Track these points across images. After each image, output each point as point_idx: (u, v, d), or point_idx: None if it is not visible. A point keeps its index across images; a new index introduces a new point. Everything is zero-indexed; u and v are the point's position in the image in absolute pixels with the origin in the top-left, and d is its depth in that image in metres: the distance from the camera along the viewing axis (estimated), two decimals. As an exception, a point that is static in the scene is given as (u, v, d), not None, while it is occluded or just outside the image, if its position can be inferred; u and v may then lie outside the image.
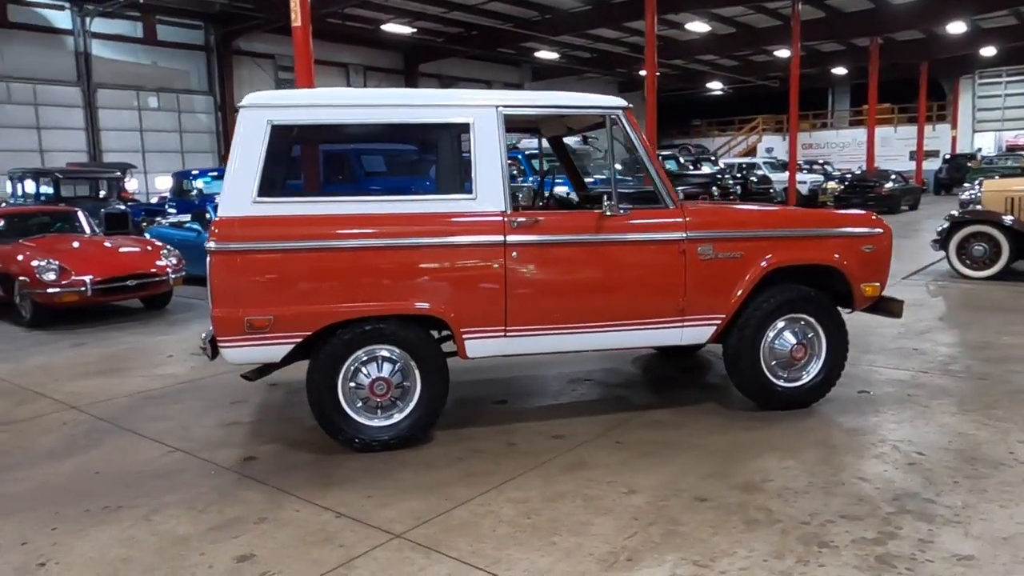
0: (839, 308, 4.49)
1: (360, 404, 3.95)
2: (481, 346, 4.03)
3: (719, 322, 4.31)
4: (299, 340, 3.79)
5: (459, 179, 4.03)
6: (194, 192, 15.29)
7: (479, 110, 3.98)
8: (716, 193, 18.31)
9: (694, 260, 4.20)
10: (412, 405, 4.01)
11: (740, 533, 3.02)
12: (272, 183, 3.80)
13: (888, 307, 4.67)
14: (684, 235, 4.18)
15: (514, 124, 4.54)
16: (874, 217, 4.64)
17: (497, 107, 4.00)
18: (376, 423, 3.98)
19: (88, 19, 21.27)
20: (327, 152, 4.34)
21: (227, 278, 3.71)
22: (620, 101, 4.19)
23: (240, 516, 3.28)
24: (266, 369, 4.13)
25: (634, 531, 3.07)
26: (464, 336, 3.98)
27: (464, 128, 3.98)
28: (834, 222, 4.54)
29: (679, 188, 14.69)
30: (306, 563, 2.89)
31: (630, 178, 9.38)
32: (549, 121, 4.89)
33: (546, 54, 28.75)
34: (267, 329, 3.74)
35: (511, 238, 3.97)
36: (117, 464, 3.91)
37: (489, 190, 3.97)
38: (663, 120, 21.53)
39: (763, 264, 4.28)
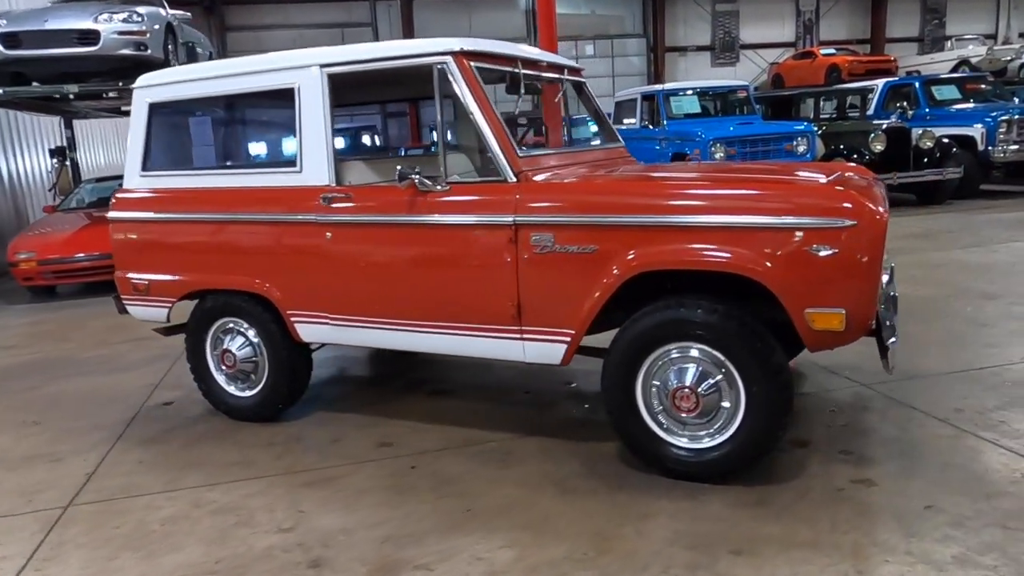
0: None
1: (223, 373, 4.07)
2: (311, 331, 3.73)
3: (568, 340, 3.13)
4: (170, 305, 4.08)
5: (287, 150, 3.71)
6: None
7: (303, 72, 3.58)
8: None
9: (528, 252, 3.12)
10: (262, 382, 3.96)
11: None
12: (153, 158, 4.09)
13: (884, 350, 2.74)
14: (512, 218, 3.12)
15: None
16: (841, 189, 2.72)
17: (321, 66, 3.53)
18: (237, 392, 4.06)
19: (533, -22, 23.65)
20: (195, 126, 4.38)
21: (117, 243, 4.17)
22: (451, 44, 3.26)
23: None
24: (176, 327, 4.50)
25: (209, 570, 2.64)
26: (292, 319, 3.74)
27: (290, 94, 3.63)
28: (754, 201, 2.80)
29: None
30: None
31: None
32: (398, 79, 3.88)
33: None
34: (146, 292, 4.12)
35: (324, 217, 3.54)
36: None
37: (314, 162, 3.58)
38: None
39: (623, 264, 2.94)
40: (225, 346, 3.99)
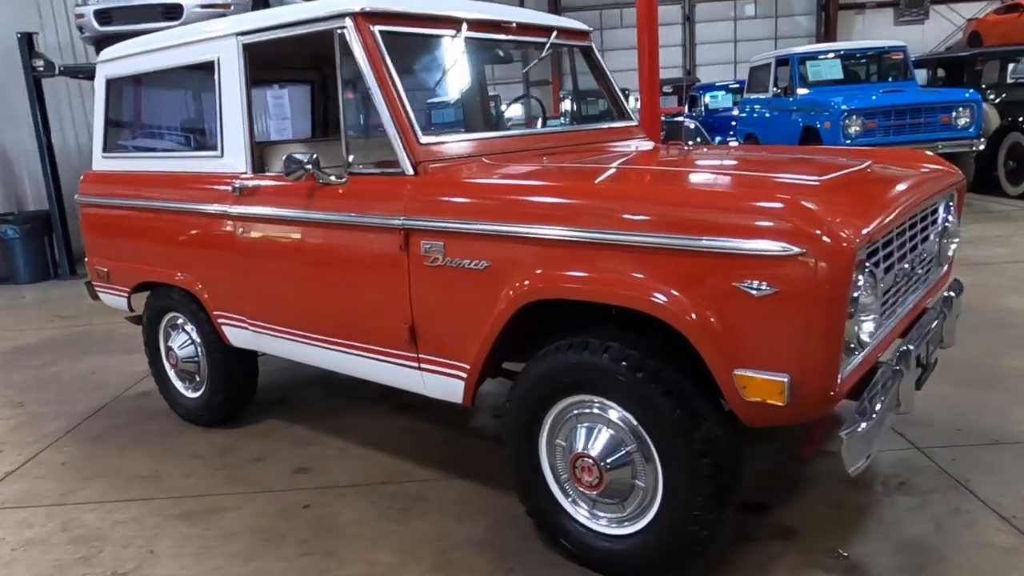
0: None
1: (172, 370, 3.78)
2: (235, 335, 3.33)
3: (464, 376, 2.48)
4: (126, 294, 3.84)
5: (208, 131, 3.27)
6: (700, 108, 14.91)
7: (221, 43, 3.12)
8: None
9: (418, 264, 2.49)
10: (204, 385, 3.63)
11: None
12: (111, 138, 3.83)
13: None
14: (401, 220, 2.49)
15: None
16: (787, 198, 1.82)
17: (237, 35, 3.05)
18: (186, 393, 3.76)
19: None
20: (144, 106, 3.99)
21: (84, 227, 3.97)
22: (351, 3, 2.63)
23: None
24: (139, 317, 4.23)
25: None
26: (218, 320, 3.35)
27: (212, 67, 3.18)
28: (674, 209, 1.96)
29: None
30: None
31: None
32: (317, 49, 3.17)
33: None
34: (107, 279, 3.91)
35: (233, 208, 3.09)
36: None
37: (232, 145, 3.14)
38: None
39: (517, 289, 2.23)
40: (168, 343, 3.70)
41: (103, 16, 7.83)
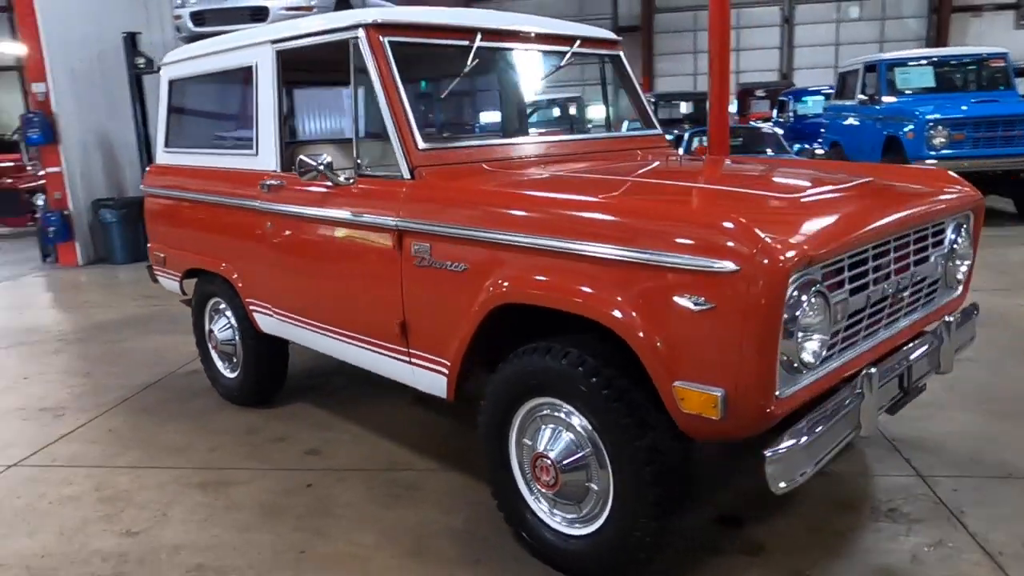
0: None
1: (213, 351, 4.07)
2: (264, 321, 3.57)
3: (446, 372, 2.60)
4: (178, 279, 4.16)
5: (245, 132, 3.51)
6: (788, 114, 14.47)
7: (258, 49, 3.35)
8: None
9: (409, 263, 2.63)
10: (240, 367, 3.90)
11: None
12: (172, 134, 4.16)
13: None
14: (395, 222, 2.64)
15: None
16: (750, 226, 1.82)
17: (272, 42, 3.28)
18: (226, 373, 4.04)
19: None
20: (199, 104, 4.24)
21: (146, 216, 4.33)
22: (364, 15, 2.79)
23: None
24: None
25: (29, 564, 2.60)
26: (250, 306, 3.61)
27: (249, 73, 3.42)
28: (626, 220, 2.01)
29: None
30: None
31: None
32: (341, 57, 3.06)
33: None
34: (163, 264, 4.24)
35: (262, 204, 3.32)
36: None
37: (266, 145, 3.37)
38: None
39: (488, 292, 2.34)
40: (211, 326, 4.00)
41: (197, 17, 8.38)
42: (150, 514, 2.91)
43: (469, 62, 2.96)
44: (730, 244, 1.80)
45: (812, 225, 1.97)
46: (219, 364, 4.07)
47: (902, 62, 9.59)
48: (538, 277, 2.20)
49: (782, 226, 1.90)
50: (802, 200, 2.19)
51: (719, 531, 2.59)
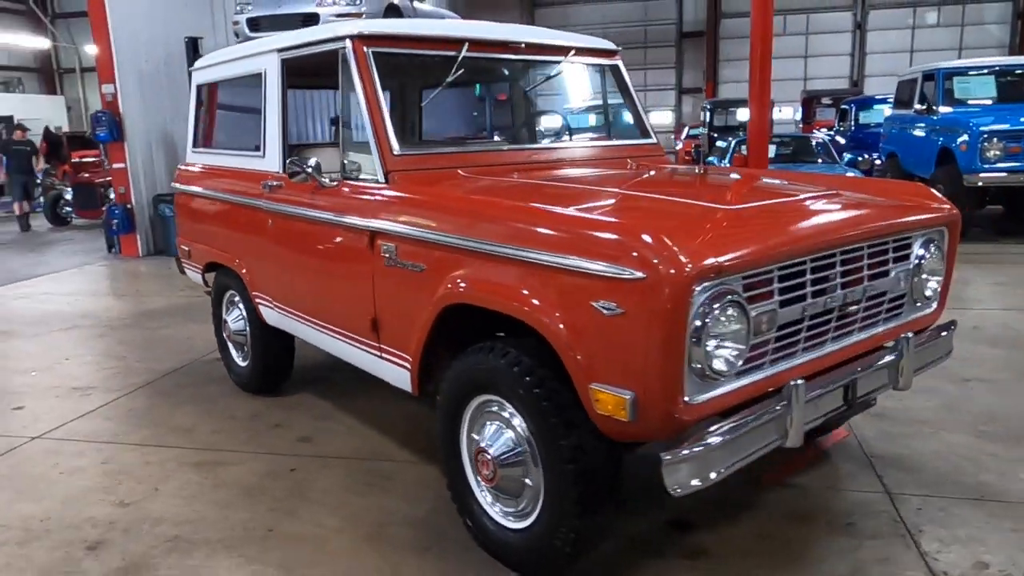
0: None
1: (228, 340, 4.31)
2: (267, 313, 3.77)
3: (408, 366, 2.72)
4: (200, 271, 4.42)
5: (255, 134, 3.71)
6: (849, 123, 14.08)
7: (267, 58, 3.56)
8: None
9: (379, 262, 2.77)
10: (249, 356, 4.12)
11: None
12: (200, 136, 4.42)
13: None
14: (367, 223, 2.79)
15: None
16: (656, 235, 1.88)
17: (277, 51, 3.48)
18: (237, 359, 4.28)
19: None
20: (221, 108, 4.45)
21: (175, 211, 4.61)
22: (351, 27, 2.94)
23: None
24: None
25: (27, 526, 2.85)
26: (255, 300, 3.82)
27: (259, 79, 3.63)
28: (553, 228, 2.11)
29: None
30: None
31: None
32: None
33: None
34: (189, 257, 4.52)
35: (264, 203, 3.52)
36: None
37: (271, 147, 3.58)
38: None
39: (442, 292, 2.45)
40: (225, 316, 4.24)
41: (253, 24, 8.77)
42: (144, 488, 3.13)
43: (453, 72, 3.08)
44: (638, 253, 1.87)
45: (734, 237, 2.01)
46: (233, 353, 4.31)
47: (961, 71, 9.25)
48: (483, 280, 2.30)
49: (700, 237, 1.95)
50: (740, 212, 2.23)
51: (666, 535, 2.64)
